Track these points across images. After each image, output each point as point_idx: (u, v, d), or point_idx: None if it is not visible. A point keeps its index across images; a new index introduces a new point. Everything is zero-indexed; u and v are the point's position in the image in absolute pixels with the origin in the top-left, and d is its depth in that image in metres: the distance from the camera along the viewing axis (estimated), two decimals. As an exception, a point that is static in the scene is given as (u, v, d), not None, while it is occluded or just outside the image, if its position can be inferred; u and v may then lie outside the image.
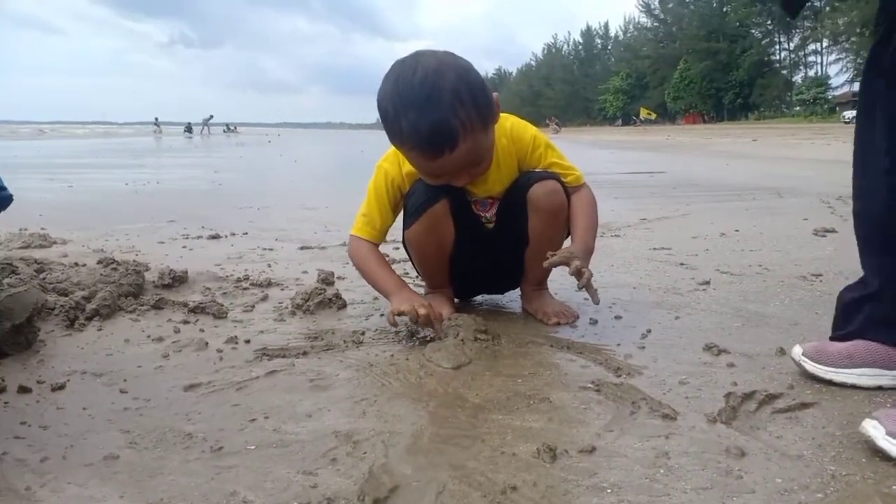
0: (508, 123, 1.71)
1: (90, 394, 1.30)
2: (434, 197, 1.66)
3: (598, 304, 1.61)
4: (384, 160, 1.72)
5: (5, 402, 1.25)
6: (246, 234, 3.36)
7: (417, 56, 1.48)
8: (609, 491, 0.94)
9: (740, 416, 1.18)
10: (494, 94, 1.53)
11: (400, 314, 1.59)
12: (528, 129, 1.74)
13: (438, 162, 1.47)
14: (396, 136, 1.49)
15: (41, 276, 2.07)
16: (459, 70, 1.46)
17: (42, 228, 3.25)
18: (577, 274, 1.53)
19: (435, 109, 1.40)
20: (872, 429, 1.03)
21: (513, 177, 1.74)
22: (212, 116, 47.08)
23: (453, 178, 1.58)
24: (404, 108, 1.42)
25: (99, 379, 1.38)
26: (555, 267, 1.58)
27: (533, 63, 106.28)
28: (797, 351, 1.38)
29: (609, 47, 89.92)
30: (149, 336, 1.65)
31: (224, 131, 49.44)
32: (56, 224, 3.44)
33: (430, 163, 1.49)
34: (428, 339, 1.61)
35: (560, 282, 2.13)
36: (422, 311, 1.57)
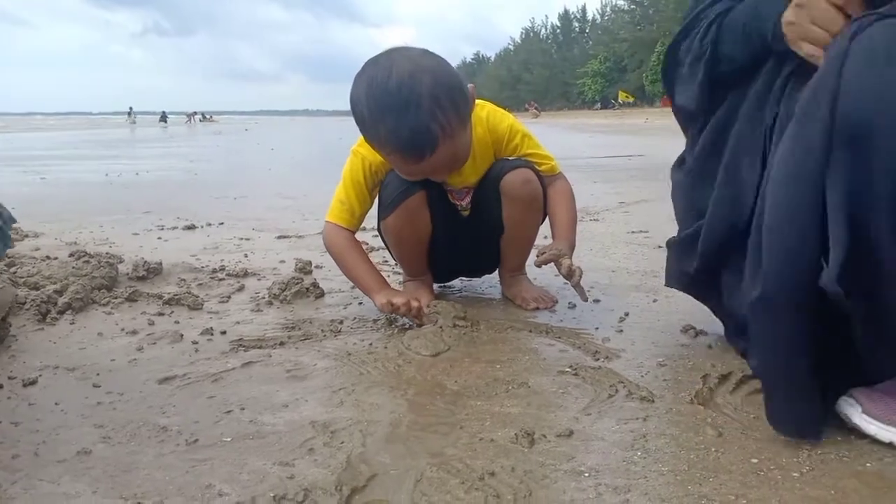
0: (484, 112, 1.69)
1: (63, 388, 1.28)
2: (410, 188, 1.65)
3: (586, 301, 1.62)
4: (360, 146, 1.69)
5: (-26, 400, 1.22)
6: (222, 224, 3.32)
7: (391, 57, 1.44)
8: (587, 475, 0.94)
9: (717, 398, 1.19)
10: (469, 86, 1.51)
11: (394, 307, 1.57)
12: (504, 119, 1.72)
13: (420, 165, 1.46)
14: (374, 141, 1.47)
15: (11, 270, 2.03)
16: (435, 70, 1.42)
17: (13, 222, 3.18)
18: (569, 273, 1.54)
19: (413, 115, 1.37)
20: (848, 406, 1.04)
21: (489, 166, 1.73)
22: (195, 113, 48.53)
23: (432, 175, 1.57)
24: (381, 114, 1.40)
25: (71, 373, 1.35)
26: (546, 264, 1.58)
27: (511, 47, 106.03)
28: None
29: (587, 31, 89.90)
30: (122, 329, 1.63)
31: (200, 120, 48.91)
32: (29, 217, 3.37)
33: (411, 166, 1.48)
34: (407, 326, 1.60)
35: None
36: (415, 304, 1.58)
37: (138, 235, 2.98)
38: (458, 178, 1.71)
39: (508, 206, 1.71)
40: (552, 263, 1.58)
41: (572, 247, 1.68)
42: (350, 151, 1.72)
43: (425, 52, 1.47)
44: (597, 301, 1.81)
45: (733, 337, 1.40)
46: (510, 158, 1.72)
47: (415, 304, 1.58)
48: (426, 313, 1.61)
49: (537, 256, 1.59)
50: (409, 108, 1.37)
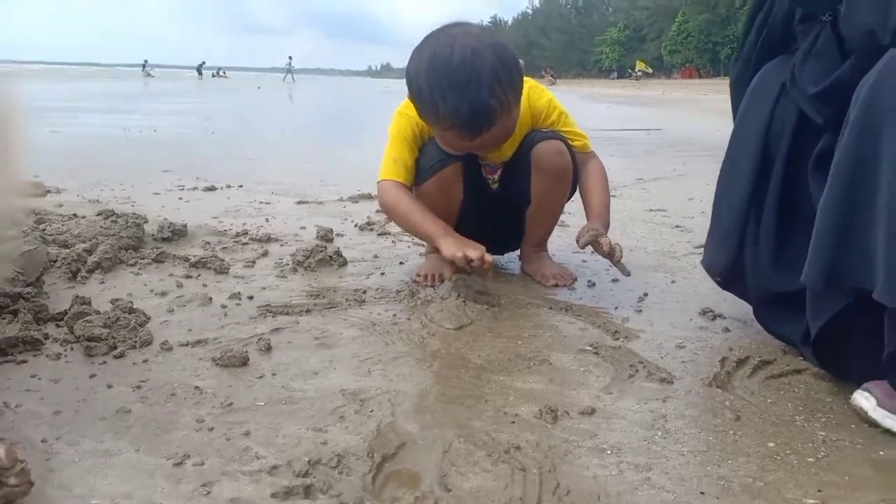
0: (526, 88, 1.69)
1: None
2: (448, 158, 1.67)
3: (629, 275, 1.65)
4: (406, 107, 1.68)
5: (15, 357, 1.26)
6: (241, 186, 3.33)
7: (452, 33, 1.47)
8: (609, 452, 0.98)
9: (735, 381, 1.22)
10: (521, 62, 1.53)
11: (466, 259, 1.55)
12: (543, 94, 1.75)
13: (474, 141, 1.49)
14: (431, 116, 1.50)
15: (41, 227, 2.07)
16: (496, 47, 1.46)
17: (35, 176, 3.20)
18: (611, 251, 1.57)
19: (475, 92, 1.41)
20: (864, 400, 1.06)
21: None
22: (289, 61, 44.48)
23: (480, 150, 1.60)
24: (442, 89, 1.43)
25: (105, 333, 1.39)
26: (587, 245, 1.61)
27: (530, 12, 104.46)
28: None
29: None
30: (151, 290, 1.66)
31: (213, 76, 48.64)
32: (47, 171, 3.38)
33: (466, 142, 1.51)
34: (429, 299, 1.62)
35: (558, 244, 2.15)
36: (489, 258, 1.57)
37: (159, 195, 3.01)
38: (497, 154, 1.73)
39: (538, 177, 1.72)
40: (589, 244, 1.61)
41: (607, 226, 1.71)
42: (394, 113, 1.73)
43: (484, 29, 1.52)
44: (615, 281, 1.84)
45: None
46: (543, 130, 1.73)
47: (489, 258, 1.57)
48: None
49: (576, 240, 1.62)
50: (470, 84, 1.41)
